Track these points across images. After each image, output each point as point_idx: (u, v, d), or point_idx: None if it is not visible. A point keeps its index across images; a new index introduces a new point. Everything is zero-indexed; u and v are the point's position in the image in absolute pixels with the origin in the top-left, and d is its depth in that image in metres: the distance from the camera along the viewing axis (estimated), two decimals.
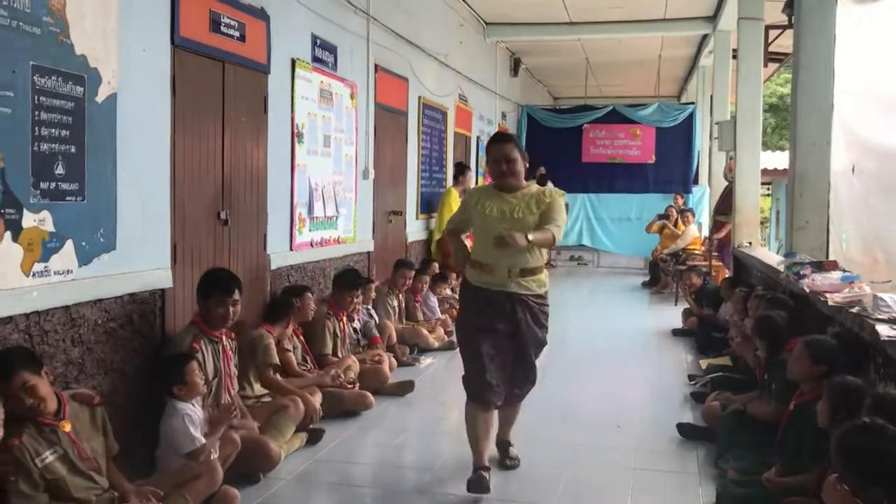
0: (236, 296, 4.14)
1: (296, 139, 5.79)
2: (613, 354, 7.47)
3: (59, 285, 3.45)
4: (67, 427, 3.16)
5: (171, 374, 3.74)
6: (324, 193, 6.29)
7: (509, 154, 3.98)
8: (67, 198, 3.50)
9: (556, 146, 14.35)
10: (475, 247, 4.10)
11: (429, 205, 9.33)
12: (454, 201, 8.66)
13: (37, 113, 3.31)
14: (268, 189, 5.39)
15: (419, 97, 8.81)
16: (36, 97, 3.30)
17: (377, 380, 5.63)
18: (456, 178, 9.46)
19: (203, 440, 3.67)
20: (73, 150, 3.52)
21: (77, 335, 3.60)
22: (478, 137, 11.84)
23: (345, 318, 5.80)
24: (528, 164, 4.04)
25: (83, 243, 3.60)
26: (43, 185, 3.35)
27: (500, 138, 4.14)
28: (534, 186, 4.06)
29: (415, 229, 8.90)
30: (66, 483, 3.09)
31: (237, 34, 4.91)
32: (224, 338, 4.20)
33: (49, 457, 3.06)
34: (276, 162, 5.50)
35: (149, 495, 3.30)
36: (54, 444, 3.10)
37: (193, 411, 3.71)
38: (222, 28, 4.75)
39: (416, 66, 8.69)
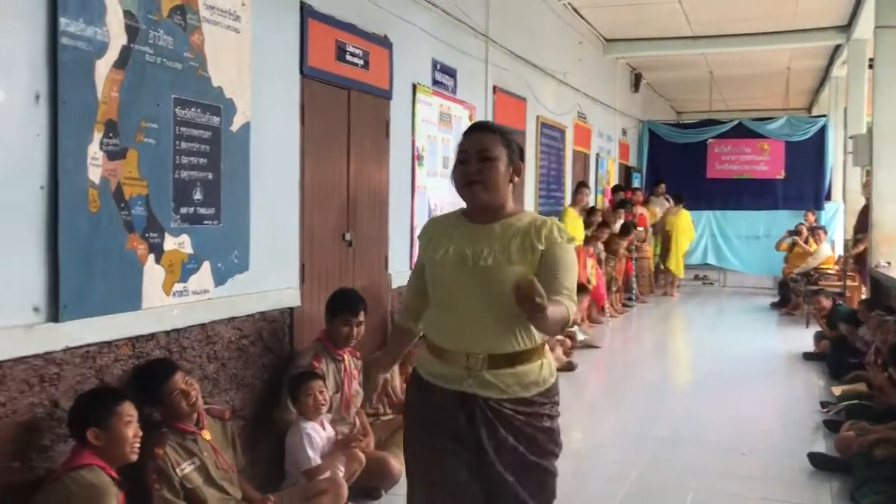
0: (361, 317, 4.27)
1: (416, 161, 5.92)
2: (739, 377, 7.21)
3: (197, 304, 3.66)
4: (208, 435, 3.37)
5: (291, 391, 3.89)
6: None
7: (486, 148, 2.40)
8: (205, 222, 3.72)
9: (679, 162, 14.03)
10: (426, 315, 2.59)
11: None
12: (570, 222, 8.61)
13: (178, 143, 3.54)
14: (389, 210, 5.54)
15: (537, 116, 8.83)
16: (177, 128, 3.53)
17: None
18: (573, 196, 9.41)
19: (318, 461, 3.79)
20: (210, 176, 3.75)
21: (212, 351, 3.81)
22: (597, 155, 11.75)
23: None
24: (517, 177, 2.49)
25: (219, 264, 3.81)
26: (183, 210, 3.58)
27: (475, 127, 2.59)
28: (527, 216, 2.48)
29: None
30: (202, 492, 3.27)
31: (361, 62, 5.09)
32: (347, 356, 4.33)
33: (188, 467, 3.26)
34: (398, 184, 5.65)
35: None
36: (194, 454, 3.29)
37: (315, 431, 3.84)
38: (347, 57, 4.94)
39: (535, 85, 8.72)
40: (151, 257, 3.40)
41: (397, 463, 4.23)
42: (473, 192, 2.43)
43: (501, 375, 2.39)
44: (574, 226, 9.07)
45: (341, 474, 3.80)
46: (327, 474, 3.78)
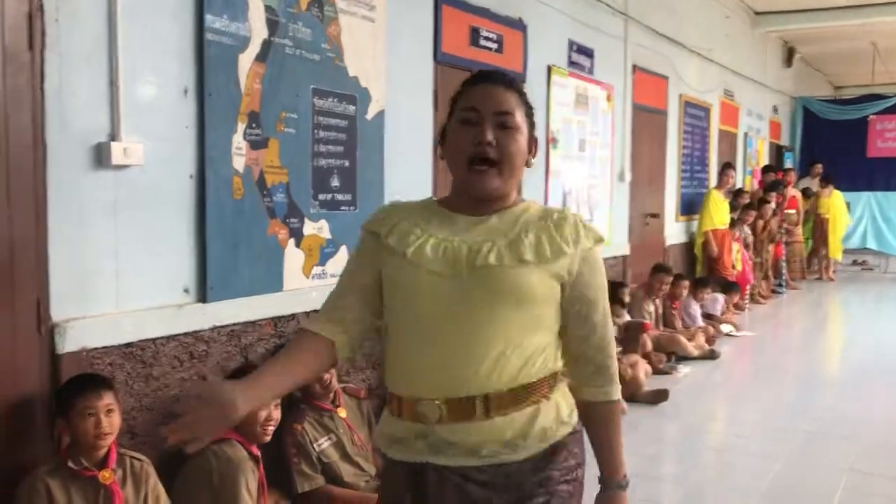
0: None
1: (550, 145, 5.87)
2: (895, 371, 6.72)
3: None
4: (344, 413, 3.50)
5: None
6: (577, 197, 6.32)
7: (508, 111, 1.66)
8: (342, 207, 3.85)
9: (836, 140, 13.18)
10: (388, 356, 1.77)
11: (690, 206, 9.00)
12: (714, 204, 8.29)
13: (316, 131, 3.67)
14: (523, 194, 5.51)
15: (680, 95, 8.53)
16: (315, 117, 3.66)
17: (631, 387, 5.54)
18: (719, 178, 9.04)
19: None
20: (346, 164, 3.87)
21: None
22: (745, 134, 11.22)
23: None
24: (534, 158, 1.78)
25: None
26: (321, 197, 3.71)
27: (487, 77, 1.76)
28: (533, 205, 1.77)
29: (674, 232, 8.63)
30: (338, 467, 3.41)
31: (495, 46, 5.09)
32: None
33: (325, 443, 3.40)
34: (532, 168, 5.60)
35: None
36: (330, 431, 3.44)
37: None
38: (481, 41, 4.95)
39: (677, 63, 8.42)
40: (292, 242, 3.56)
41: None
42: (483, 177, 1.64)
43: (509, 422, 1.59)
44: (718, 209, 8.72)
45: None
46: None
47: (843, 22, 11.08)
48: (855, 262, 13.43)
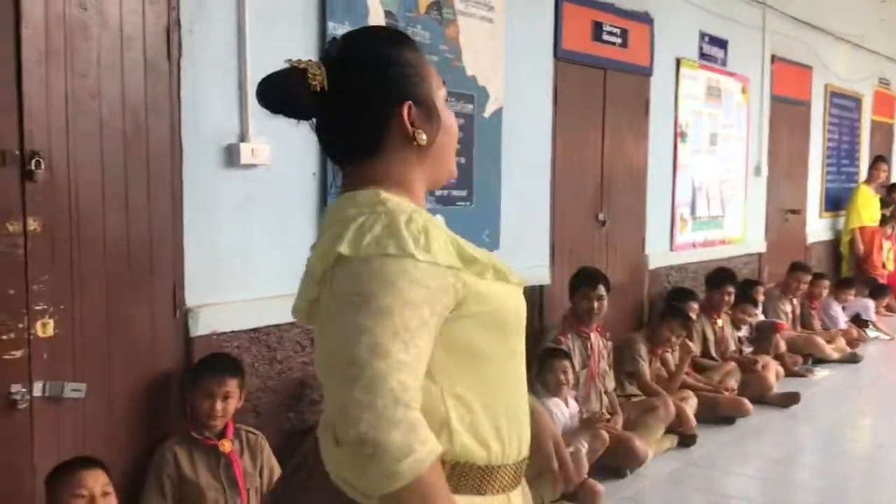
0: (601, 291, 4.29)
1: (678, 139, 5.76)
2: None
3: None
4: None
5: (539, 369, 4.03)
6: (708, 192, 6.16)
7: None
8: (458, 203, 3.97)
9: None
10: (467, 408, 1.22)
11: (836, 202, 8.53)
12: (863, 200, 7.84)
13: None
14: (647, 190, 5.46)
15: (825, 85, 8.11)
16: None
17: (759, 388, 5.37)
18: (869, 172, 8.53)
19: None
20: (463, 160, 3.98)
21: None
22: None
23: (719, 320, 5.63)
24: None
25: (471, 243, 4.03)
26: (437, 193, 3.85)
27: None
28: None
29: (817, 229, 8.22)
30: None
31: (619, 40, 5.05)
32: (593, 335, 4.38)
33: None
34: (657, 162, 5.54)
35: None
36: None
37: (557, 407, 3.95)
38: (604, 36, 4.94)
39: (822, 51, 8.00)
40: None
41: (642, 444, 4.22)
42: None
43: None
44: (868, 205, 8.23)
45: (584, 451, 3.87)
46: (570, 450, 3.88)
47: None
48: None
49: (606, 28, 4.95)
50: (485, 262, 1.23)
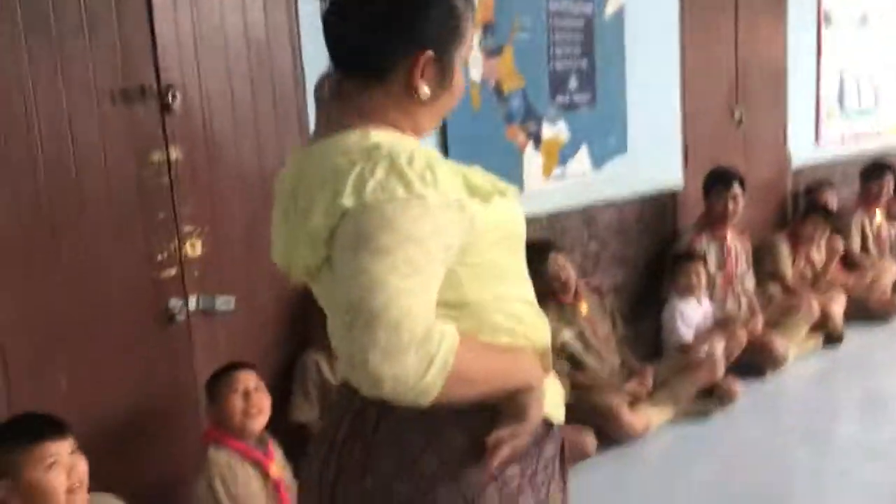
0: (736, 189, 4.15)
1: (822, 23, 5.37)
2: None
3: (576, 187, 3.93)
4: (584, 308, 3.69)
5: (671, 272, 4.00)
6: (859, 80, 5.73)
7: None
8: (580, 108, 3.93)
9: None
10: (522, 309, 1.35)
11: None
12: None
13: (552, 34, 3.76)
14: (787, 81, 5.16)
15: None
16: (550, 19, 3.74)
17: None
18: None
19: (690, 337, 3.87)
20: (584, 64, 3.92)
21: (594, 231, 4.08)
22: None
23: (878, 215, 5.31)
24: None
25: (595, 149, 4.01)
26: (559, 99, 3.82)
27: None
28: None
29: None
30: (581, 357, 3.62)
31: None
32: (730, 235, 4.27)
33: (567, 334, 3.62)
34: (798, 51, 5.21)
35: (647, 375, 3.66)
36: (573, 323, 3.64)
37: (689, 307, 3.92)
38: None
39: None
40: (531, 145, 3.73)
41: (783, 344, 4.13)
42: None
43: None
44: None
45: (719, 351, 3.84)
46: (704, 348, 3.86)
47: None
48: None
49: None
50: (489, 188, 1.20)
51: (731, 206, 4.15)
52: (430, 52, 1.19)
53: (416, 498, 1.19)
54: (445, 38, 1.21)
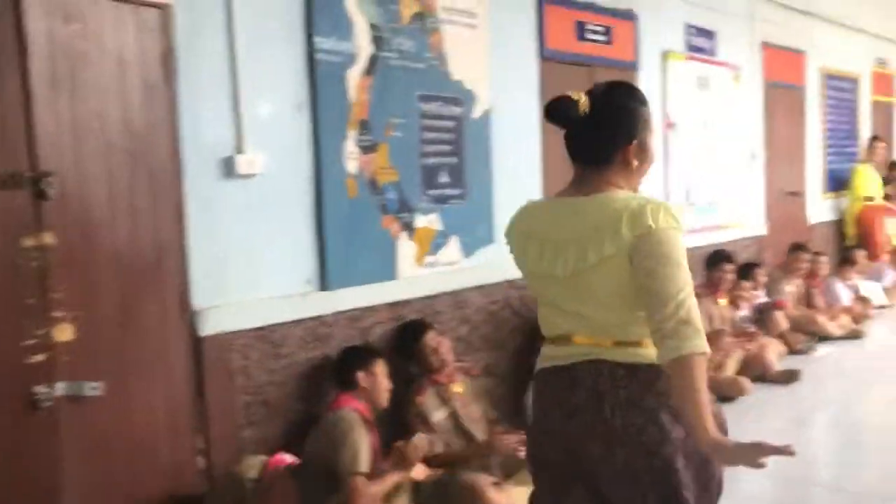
0: None
1: (668, 130, 5.92)
2: None
3: (447, 274, 4.14)
4: (458, 388, 3.84)
5: (532, 350, 4.21)
6: (703, 179, 6.31)
7: None
8: (451, 201, 4.17)
9: None
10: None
11: (838, 183, 8.63)
12: (861, 179, 7.95)
13: (423, 133, 4.01)
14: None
15: (819, 68, 8.22)
16: (422, 120, 4.00)
17: (759, 366, 5.52)
18: (867, 151, 8.63)
19: None
20: (454, 161, 4.19)
21: (463, 315, 4.27)
22: None
23: (721, 300, 5.78)
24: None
25: (466, 238, 4.24)
26: (431, 192, 4.05)
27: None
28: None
29: (820, 210, 8.33)
30: (449, 438, 3.74)
31: (603, 38, 5.23)
32: None
33: (440, 414, 3.74)
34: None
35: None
36: (446, 402, 3.77)
37: None
38: (587, 35, 5.12)
39: (815, 35, 8.11)
40: (404, 234, 3.92)
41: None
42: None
43: None
44: (867, 183, 8.35)
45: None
46: None
47: None
48: None
49: (590, 27, 5.13)
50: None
51: None
52: (635, 142, 1.98)
53: (652, 419, 1.89)
54: (642, 131, 2.00)
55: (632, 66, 5.53)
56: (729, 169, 6.66)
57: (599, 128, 1.95)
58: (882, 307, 7.47)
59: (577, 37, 5.05)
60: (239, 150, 3.21)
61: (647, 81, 5.67)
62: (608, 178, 1.97)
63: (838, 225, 8.64)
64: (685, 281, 1.83)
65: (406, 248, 3.93)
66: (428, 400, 3.74)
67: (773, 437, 1.73)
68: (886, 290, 7.74)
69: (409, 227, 3.95)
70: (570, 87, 5.13)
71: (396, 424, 3.64)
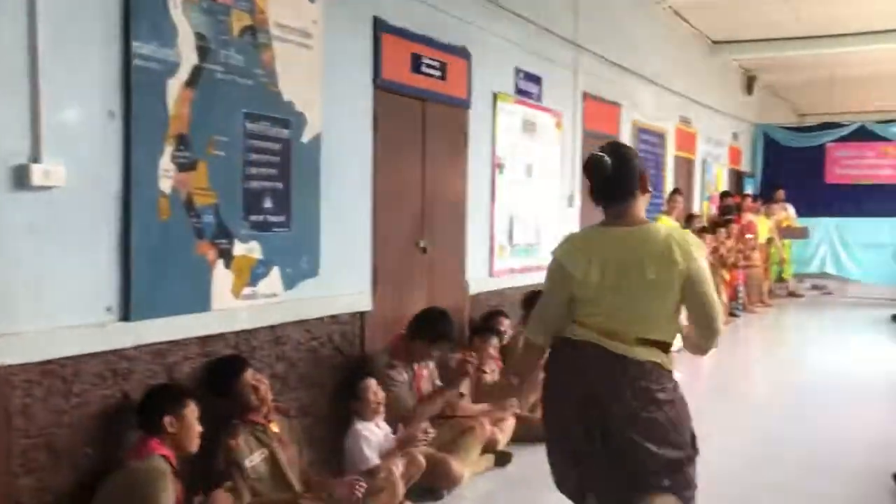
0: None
1: (496, 170, 5.99)
2: (843, 392, 6.86)
3: (266, 307, 3.87)
4: (276, 428, 3.58)
5: (349, 390, 4.04)
6: (524, 221, 6.43)
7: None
8: (274, 229, 3.92)
9: (795, 167, 13.50)
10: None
11: None
12: None
13: (248, 154, 3.76)
14: (467, 218, 5.63)
15: (633, 121, 8.71)
16: (247, 140, 3.75)
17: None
18: (667, 204, 9.23)
19: (376, 460, 3.92)
20: (280, 186, 3.95)
21: (281, 352, 4.01)
22: (703, 160, 11.46)
23: None
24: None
25: (288, 269, 4.00)
26: (252, 218, 3.79)
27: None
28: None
29: None
30: (266, 482, 3.47)
31: (438, 73, 5.21)
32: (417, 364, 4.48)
33: (257, 458, 3.46)
34: (476, 192, 5.74)
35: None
36: (263, 445, 3.50)
37: (370, 431, 3.98)
38: (423, 68, 5.07)
39: (631, 90, 8.61)
40: (221, 262, 3.63)
41: (458, 466, 4.31)
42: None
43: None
44: None
45: (398, 473, 3.91)
46: (397, 472, 3.90)
47: (799, 52, 11.36)
48: (814, 287, 13.63)
49: (425, 60, 5.09)
50: None
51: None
52: (644, 175, 2.73)
53: (672, 404, 2.65)
54: (643, 173, 2.73)
55: (464, 104, 5.55)
56: (548, 213, 6.84)
57: (621, 176, 2.66)
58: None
59: (412, 69, 4.99)
60: (34, 158, 2.82)
61: (478, 120, 5.72)
62: (636, 210, 2.69)
63: None
64: (718, 301, 2.68)
65: (222, 278, 3.64)
66: (243, 443, 3.46)
67: None
68: None
69: (226, 255, 3.66)
70: (404, 119, 5.10)
71: (205, 469, 3.32)
